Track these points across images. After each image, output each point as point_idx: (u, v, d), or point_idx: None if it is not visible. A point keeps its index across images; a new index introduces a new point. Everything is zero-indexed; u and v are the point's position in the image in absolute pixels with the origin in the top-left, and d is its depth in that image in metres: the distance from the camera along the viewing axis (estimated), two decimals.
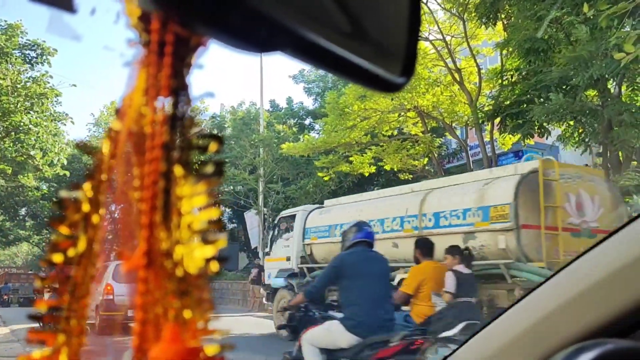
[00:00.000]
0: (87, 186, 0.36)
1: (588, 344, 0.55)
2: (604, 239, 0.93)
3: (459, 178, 9.04)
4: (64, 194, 0.36)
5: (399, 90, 0.45)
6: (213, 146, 0.35)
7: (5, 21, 18.67)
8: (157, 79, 0.33)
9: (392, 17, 0.45)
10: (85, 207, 0.36)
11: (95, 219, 0.36)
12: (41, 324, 0.34)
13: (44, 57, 19.75)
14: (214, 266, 0.32)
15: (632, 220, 0.90)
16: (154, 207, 0.32)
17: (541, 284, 1.01)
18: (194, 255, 0.32)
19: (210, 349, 0.32)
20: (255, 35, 0.34)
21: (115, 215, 0.37)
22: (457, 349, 1.17)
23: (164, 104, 0.34)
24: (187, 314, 0.32)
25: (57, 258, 0.35)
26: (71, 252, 0.35)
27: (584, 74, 8.24)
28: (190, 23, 0.32)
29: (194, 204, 0.33)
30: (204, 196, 0.33)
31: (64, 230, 0.35)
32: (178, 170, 0.33)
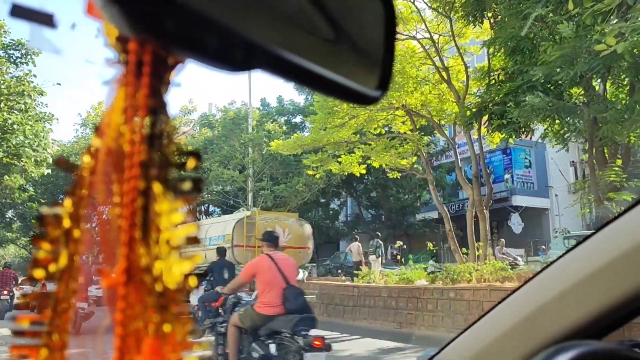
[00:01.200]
0: (67, 202, 0.37)
1: (566, 346, 0.57)
2: (580, 242, 0.95)
3: (224, 217, 19.69)
4: (45, 210, 0.37)
5: (375, 103, 0.46)
6: (191, 163, 0.35)
7: None
8: (135, 99, 0.34)
9: (368, 33, 0.46)
10: (66, 223, 0.37)
11: (76, 234, 0.37)
12: (24, 339, 0.35)
13: (29, 57, 19.56)
14: (192, 281, 0.33)
15: (607, 223, 0.92)
16: (133, 223, 0.33)
17: (521, 285, 1.03)
18: (173, 271, 0.33)
19: None
20: (232, 56, 0.34)
21: (96, 231, 0.37)
22: (442, 349, 1.19)
23: (143, 122, 0.34)
24: (166, 327, 0.33)
25: (39, 274, 0.36)
26: (52, 268, 0.36)
27: (569, 72, 8.32)
28: (166, 45, 0.33)
29: (173, 220, 0.34)
30: (182, 213, 0.34)
31: (45, 246, 0.36)
32: (157, 187, 0.34)
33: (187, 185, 0.35)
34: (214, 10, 0.32)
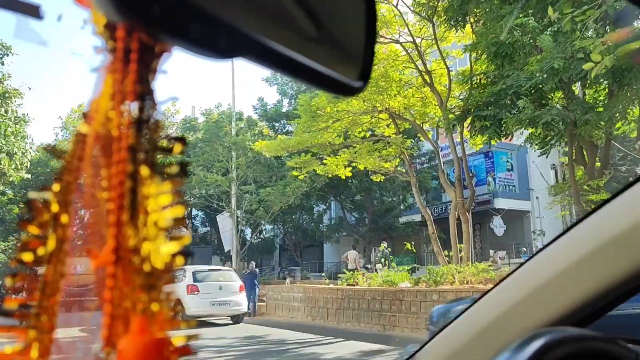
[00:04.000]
0: (56, 187, 0.37)
1: (540, 332, 0.58)
2: (563, 233, 0.98)
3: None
4: (33, 195, 0.37)
5: (356, 94, 0.47)
6: (177, 148, 0.36)
7: None
8: (123, 85, 0.35)
9: (350, 24, 0.47)
10: (55, 208, 0.37)
11: (64, 218, 0.37)
12: (13, 320, 0.36)
13: (4, 57, 19.20)
14: (180, 261, 0.34)
15: (589, 213, 0.94)
16: (121, 206, 0.34)
17: (504, 278, 1.05)
18: (160, 251, 0.34)
19: (177, 340, 0.33)
20: (216, 43, 0.35)
21: (84, 214, 0.38)
22: (425, 343, 1.21)
23: (130, 108, 0.35)
24: (154, 306, 0.33)
25: (27, 257, 0.36)
26: (41, 251, 0.37)
27: (554, 79, 8.45)
28: (152, 32, 0.34)
29: (160, 202, 0.35)
30: (169, 195, 0.35)
31: (33, 230, 0.37)
32: (144, 171, 0.35)
33: (173, 169, 0.36)
34: None
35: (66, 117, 33.08)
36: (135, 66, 0.35)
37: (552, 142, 10.52)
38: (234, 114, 24.79)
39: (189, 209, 29.79)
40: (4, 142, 18.65)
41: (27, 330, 0.36)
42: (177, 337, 0.34)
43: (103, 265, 0.34)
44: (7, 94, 18.68)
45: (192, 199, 25.71)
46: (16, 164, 19.14)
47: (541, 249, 1.01)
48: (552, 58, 8.26)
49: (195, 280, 14.18)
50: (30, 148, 20.50)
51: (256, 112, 29.24)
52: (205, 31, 0.35)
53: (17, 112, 19.86)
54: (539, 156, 11.63)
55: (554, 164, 22.48)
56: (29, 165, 19.90)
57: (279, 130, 28.77)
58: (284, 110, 29.55)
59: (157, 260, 0.34)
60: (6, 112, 18.88)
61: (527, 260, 1.00)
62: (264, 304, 16.95)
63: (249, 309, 15.58)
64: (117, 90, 0.35)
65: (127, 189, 0.34)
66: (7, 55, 19.15)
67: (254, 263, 19.52)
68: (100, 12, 0.34)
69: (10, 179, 19.88)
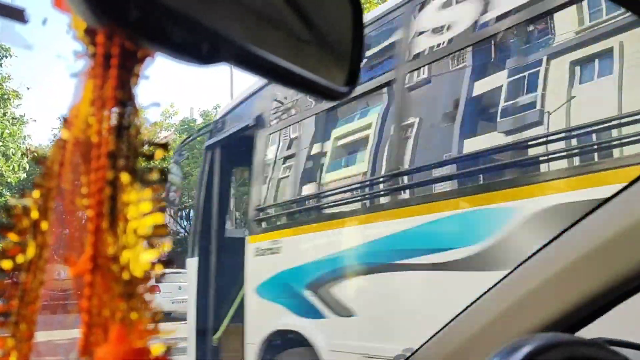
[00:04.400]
0: (35, 193, 0.37)
1: (529, 337, 0.58)
2: (555, 237, 0.97)
3: None
4: (12, 201, 0.37)
5: (342, 99, 0.47)
6: (159, 154, 0.36)
7: None
8: (103, 90, 0.35)
9: (336, 28, 0.47)
10: (34, 214, 0.37)
11: (44, 225, 0.37)
12: None
13: (3, 59, 19.18)
14: (159, 269, 0.34)
15: (582, 217, 0.94)
16: (100, 213, 0.34)
17: (495, 284, 1.05)
18: (140, 259, 0.33)
19: (156, 349, 0.33)
20: (198, 48, 0.35)
21: (64, 221, 0.38)
22: (419, 348, 1.20)
23: (111, 114, 0.35)
24: (133, 315, 0.33)
25: (6, 264, 0.36)
26: (20, 259, 0.36)
27: None
28: (132, 37, 0.34)
29: (140, 209, 0.34)
30: (149, 202, 0.34)
31: (12, 237, 0.36)
32: (124, 177, 0.34)
33: (154, 176, 0.35)
34: (180, 1, 0.33)
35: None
36: (115, 71, 0.35)
37: None
38: None
39: (188, 210, 29.72)
40: (0, 144, 18.59)
41: (5, 339, 0.35)
42: (156, 347, 0.33)
43: (81, 273, 0.33)
44: (4, 96, 18.64)
45: (190, 200, 25.64)
46: (14, 165, 19.08)
47: (533, 254, 1.01)
48: None
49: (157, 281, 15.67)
50: (28, 150, 20.43)
51: None
52: (186, 36, 0.34)
53: (14, 114, 19.83)
54: None
55: None
56: (27, 167, 19.83)
57: None
58: None
59: (137, 269, 0.33)
60: (4, 114, 18.84)
61: (518, 265, 1.00)
62: None
63: None
64: (97, 95, 0.35)
65: (106, 195, 0.34)
66: (6, 57, 19.11)
67: None
68: (79, 17, 0.34)
69: (8, 180, 19.82)
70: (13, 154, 19.14)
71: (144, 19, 0.32)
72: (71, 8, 0.33)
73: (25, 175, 19.45)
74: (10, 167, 19.02)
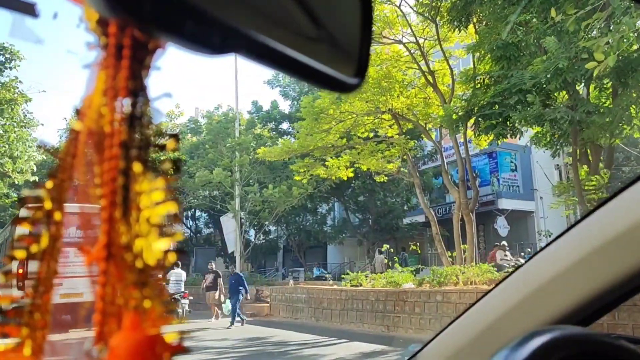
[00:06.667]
0: (49, 184, 0.37)
1: (541, 330, 0.58)
2: (564, 232, 0.97)
3: None
4: (26, 192, 0.37)
5: (352, 91, 0.47)
6: (171, 144, 0.36)
7: None
8: (115, 81, 0.35)
9: (346, 21, 0.47)
10: (48, 205, 0.37)
11: (57, 216, 0.37)
12: (5, 318, 0.36)
13: (13, 62, 19.33)
14: (172, 257, 0.34)
15: (590, 212, 0.94)
16: (113, 202, 0.34)
17: (507, 277, 1.04)
18: (153, 248, 0.34)
19: (169, 336, 0.33)
20: (209, 39, 0.35)
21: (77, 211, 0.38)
22: (427, 343, 1.20)
23: (123, 104, 0.35)
24: (146, 303, 0.33)
25: (21, 254, 0.36)
26: (34, 249, 0.37)
27: (558, 79, 8.42)
28: (145, 28, 0.34)
29: (153, 199, 0.34)
30: (161, 192, 0.35)
31: (26, 227, 0.37)
32: (137, 167, 0.34)
33: (166, 165, 0.35)
34: None
35: (70, 119, 33.18)
36: (127, 62, 0.35)
37: (560, 141, 10.47)
38: (237, 115, 24.80)
39: (193, 210, 29.80)
40: (7, 147, 18.70)
41: (20, 327, 0.35)
42: (170, 334, 0.33)
43: (95, 262, 0.33)
44: (12, 100, 18.75)
45: (195, 200, 25.74)
46: (21, 167, 19.19)
47: (543, 248, 1.01)
48: (556, 58, 8.23)
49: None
50: (37, 152, 20.57)
51: (253, 115, 29.25)
52: (198, 27, 0.34)
53: (23, 116, 19.94)
54: (551, 155, 11.55)
55: (557, 165, 22.41)
56: (35, 169, 19.95)
57: (280, 131, 28.79)
58: (286, 112, 29.57)
59: (150, 257, 0.34)
60: (12, 117, 18.95)
61: (528, 259, 1.00)
62: (267, 304, 16.95)
63: (233, 320, 13.99)
64: (110, 86, 0.35)
65: (119, 185, 0.34)
66: (15, 60, 19.24)
67: (235, 266, 18.09)
68: (92, 9, 0.34)
69: (15, 181, 19.94)
70: (20, 157, 19.25)
71: (156, 10, 0.32)
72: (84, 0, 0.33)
73: (31, 177, 19.55)
74: (18, 169, 19.13)
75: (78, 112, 0.37)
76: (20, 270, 0.38)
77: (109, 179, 0.34)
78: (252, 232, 27.85)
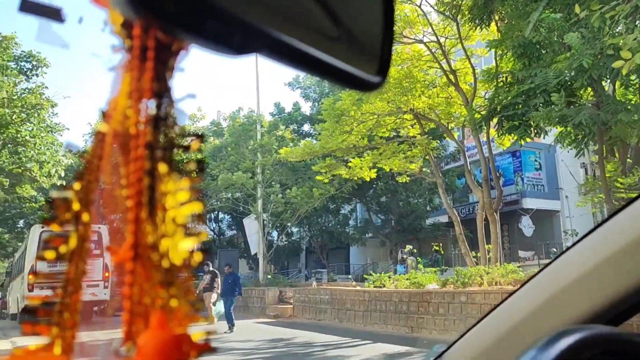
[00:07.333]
0: (76, 186, 0.38)
1: (571, 329, 0.57)
2: (592, 230, 0.95)
3: None
4: (54, 194, 0.38)
5: (375, 90, 0.47)
6: (195, 145, 0.36)
7: (0, 34, 18.70)
8: (140, 83, 0.35)
9: (367, 19, 0.47)
10: (76, 206, 0.38)
11: (85, 217, 0.38)
12: (36, 318, 0.36)
13: (39, 69, 19.78)
14: (198, 257, 0.34)
15: (618, 210, 0.92)
16: (139, 203, 0.34)
17: (533, 276, 1.03)
18: (179, 247, 0.34)
19: (196, 335, 0.33)
20: (232, 39, 0.35)
21: (104, 212, 0.38)
22: (453, 343, 1.19)
23: (148, 106, 0.36)
24: (173, 302, 0.33)
25: (50, 255, 0.37)
26: (63, 249, 0.37)
27: (583, 76, 8.28)
28: (169, 29, 0.34)
29: (178, 199, 0.35)
30: (187, 192, 0.35)
31: (55, 228, 0.37)
32: (162, 167, 0.35)
33: (191, 166, 0.36)
34: None
35: (95, 124, 33.74)
36: (152, 64, 0.36)
37: (585, 140, 10.29)
38: (258, 117, 24.94)
39: (216, 212, 30.03)
40: (35, 152, 19.12)
41: (50, 327, 0.36)
42: (196, 333, 0.34)
43: (122, 262, 0.34)
44: (38, 105, 19.17)
45: (218, 202, 25.94)
46: (48, 171, 19.60)
47: (571, 246, 0.99)
48: (580, 55, 8.09)
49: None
50: (64, 156, 21.00)
51: (275, 117, 29.38)
52: (220, 27, 0.35)
53: (49, 121, 20.37)
54: (575, 156, 11.35)
55: (583, 163, 22.05)
56: (62, 174, 20.36)
57: (302, 133, 28.87)
58: (307, 113, 29.64)
59: (176, 257, 0.34)
60: (38, 122, 19.38)
61: (556, 258, 0.98)
62: (291, 306, 16.98)
63: (230, 324, 12.78)
64: (135, 88, 0.36)
65: (145, 186, 0.34)
66: (41, 67, 19.69)
67: (229, 265, 15.29)
68: (117, 11, 0.35)
69: (42, 184, 20.37)
70: (47, 161, 19.66)
71: (180, 10, 0.32)
72: (109, 2, 0.33)
73: (58, 181, 19.94)
74: (45, 173, 19.53)
75: (104, 114, 0.38)
76: (49, 271, 0.38)
77: (135, 180, 0.34)
78: (274, 233, 27.96)
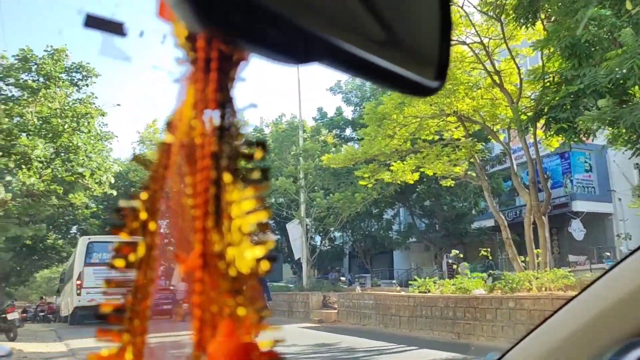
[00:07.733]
0: (143, 195, 0.39)
1: (638, 341, 0.55)
2: None
3: None
4: (123, 203, 0.39)
5: (433, 94, 0.46)
6: (258, 153, 0.37)
7: (52, 46, 19.46)
8: (204, 94, 0.36)
9: (424, 23, 0.46)
10: (143, 215, 0.39)
11: (152, 225, 0.39)
12: (108, 324, 0.37)
13: (89, 79, 20.48)
14: (265, 265, 0.34)
15: None
16: (206, 212, 0.35)
17: (592, 282, 0.99)
18: (245, 256, 0.34)
19: (264, 344, 0.34)
20: (294, 48, 0.36)
21: (172, 221, 0.39)
22: (510, 349, 1.16)
23: (212, 116, 0.36)
24: (240, 311, 0.34)
25: (119, 263, 0.38)
26: (132, 257, 0.38)
27: (636, 74, 7.97)
28: (232, 39, 0.35)
29: (243, 208, 0.35)
30: (252, 201, 0.35)
31: (124, 236, 0.38)
32: (227, 177, 0.35)
33: (255, 174, 0.36)
34: (275, 2, 0.33)
35: (143, 132, 34.75)
36: (215, 75, 0.36)
37: (638, 140, 9.87)
38: (300, 123, 25.11)
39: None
40: (87, 160, 19.80)
41: (121, 333, 0.37)
42: (263, 342, 0.34)
43: (191, 270, 0.34)
44: (88, 114, 19.86)
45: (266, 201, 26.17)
46: (100, 179, 20.24)
47: (632, 252, 0.95)
48: (634, 53, 7.78)
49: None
50: (114, 163, 21.66)
51: (318, 122, 29.51)
52: (282, 37, 0.35)
53: (99, 130, 21.07)
54: (630, 157, 10.91)
55: (637, 163, 21.21)
56: (112, 181, 20.99)
57: (344, 138, 28.89)
58: (349, 117, 29.65)
59: (242, 265, 0.34)
60: (89, 130, 20.07)
61: (617, 263, 0.94)
62: (335, 311, 16.96)
63: None
64: (199, 99, 0.36)
65: (211, 195, 0.35)
66: (91, 77, 20.41)
67: None
68: (182, 24, 0.35)
69: (95, 192, 21.06)
70: (97, 169, 20.31)
71: (243, 21, 0.33)
72: (176, 15, 0.34)
73: (109, 189, 20.57)
74: (97, 181, 20.19)
75: (169, 125, 0.39)
76: (119, 278, 0.39)
77: (201, 190, 0.35)
78: (317, 238, 28.04)
